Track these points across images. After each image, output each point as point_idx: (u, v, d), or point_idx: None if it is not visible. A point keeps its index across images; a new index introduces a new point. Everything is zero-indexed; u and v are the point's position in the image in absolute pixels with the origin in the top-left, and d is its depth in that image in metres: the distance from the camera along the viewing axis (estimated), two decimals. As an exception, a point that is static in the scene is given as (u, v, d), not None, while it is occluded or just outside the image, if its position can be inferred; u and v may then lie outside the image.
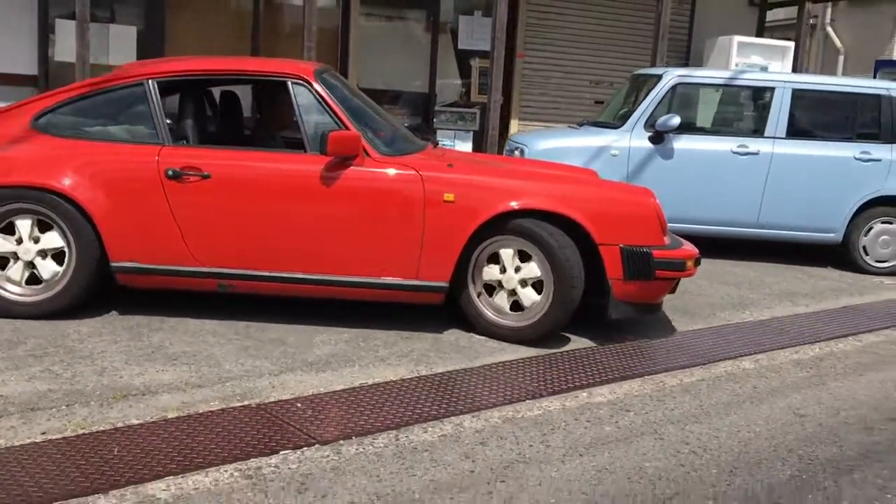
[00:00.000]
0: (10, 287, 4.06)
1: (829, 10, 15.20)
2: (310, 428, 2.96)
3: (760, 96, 7.30)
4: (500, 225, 4.05)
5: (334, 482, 2.57)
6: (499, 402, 3.37)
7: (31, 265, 4.07)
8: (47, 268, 4.06)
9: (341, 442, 2.87)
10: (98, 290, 4.19)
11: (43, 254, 4.06)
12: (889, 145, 7.11)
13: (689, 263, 4.31)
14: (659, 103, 7.11)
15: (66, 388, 3.20)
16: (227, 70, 4.47)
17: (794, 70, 10.26)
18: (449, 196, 4.02)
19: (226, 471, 2.59)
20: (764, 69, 10.26)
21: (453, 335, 4.22)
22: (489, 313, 4.20)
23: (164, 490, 2.44)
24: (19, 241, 4.05)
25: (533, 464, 2.80)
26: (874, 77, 10.83)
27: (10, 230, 4.06)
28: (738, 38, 10.09)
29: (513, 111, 10.25)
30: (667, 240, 4.31)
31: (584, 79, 10.42)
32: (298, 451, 2.77)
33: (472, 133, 9.56)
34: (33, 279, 4.09)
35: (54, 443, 2.70)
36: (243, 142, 4.76)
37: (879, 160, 7.07)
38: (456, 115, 9.98)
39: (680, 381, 3.82)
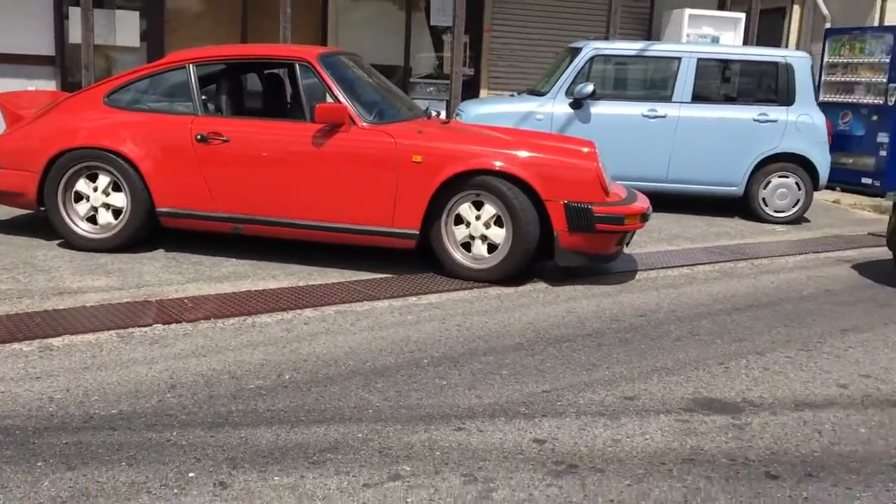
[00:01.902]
0: (84, 226, 5.31)
1: (817, -20, 15.67)
2: (183, 313, 4.14)
3: (668, 65, 8.18)
4: (464, 182, 4.94)
5: (179, 340, 3.75)
6: (341, 300, 4.50)
7: (93, 210, 5.29)
8: (105, 217, 5.28)
9: (202, 321, 4.04)
10: (148, 232, 5.36)
11: (107, 206, 5.28)
12: (785, 107, 7.96)
13: (629, 219, 5.02)
14: (578, 73, 8.07)
15: (20, 287, 4.43)
16: (248, 55, 5.63)
17: (745, 40, 11.00)
18: (417, 157, 4.96)
19: (108, 333, 3.78)
20: (715, 39, 11.05)
21: (363, 275, 5.30)
22: (459, 257, 5.07)
23: (60, 341, 3.64)
24: (95, 190, 5.27)
25: (331, 334, 3.93)
26: (823, 43, 11.48)
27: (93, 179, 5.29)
28: (689, 11, 10.86)
29: (482, 82, 11.25)
30: (612, 197, 5.05)
31: (549, 51, 11.32)
32: (166, 325, 3.95)
33: (445, 102, 10.59)
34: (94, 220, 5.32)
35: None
36: (260, 113, 5.87)
37: (776, 121, 7.93)
38: (429, 85, 11.05)
39: (515, 290, 4.89)
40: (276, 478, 2.47)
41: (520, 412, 3.08)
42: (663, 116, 7.99)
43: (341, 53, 5.88)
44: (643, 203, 5.37)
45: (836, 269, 6.09)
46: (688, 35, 10.87)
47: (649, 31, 11.84)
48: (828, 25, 15.31)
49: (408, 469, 2.57)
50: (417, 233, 5.05)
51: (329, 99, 5.22)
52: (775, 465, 2.73)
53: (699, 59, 8.03)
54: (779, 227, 7.81)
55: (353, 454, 2.65)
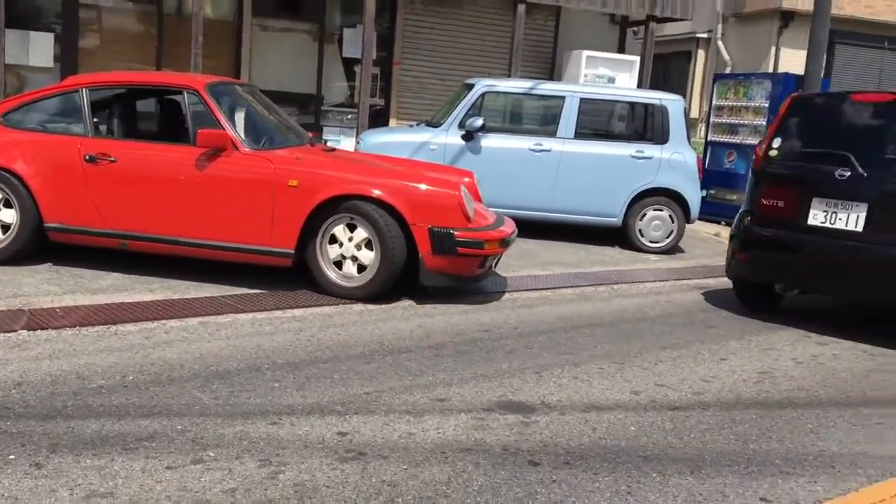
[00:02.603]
0: None
1: (720, 26, 16.67)
2: (51, 321, 4.42)
3: (554, 103, 8.76)
4: (338, 206, 5.30)
5: (40, 345, 4.04)
6: (208, 313, 4.83)
7: None
8: None
9: (67, 329, 4.33)
10: (37, 246, 5.59)
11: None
12: (660, 146, 8.59)
13: (488, 244, 5.44)
14: (470, 107, 8.59)
15: None
16: (141, 82, 6.00)
17: (639, 81, 11.72)
18: (293, 182, 5.34)
19: (-28, 338, 4.06)
20: (611, 80, 11.75)
21: (238, 290, 5.62)
22: (331, 275, 5.43)
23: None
24: None
25: (187, 342, 4.26)
26: (712, 87, 12.28)
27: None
28: (586, 53, 11.54)
29: (392, 112, 11.72)
30: (476, 223, 5.46)
31: (456, 84, 11.84)
32: (31, 332, 4.23)
33: (355, 130, 11.02)
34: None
35: None
36: (151, 137, 6.13)
37: (651, 158, 8.55)
38: (340, 114, 11.48)
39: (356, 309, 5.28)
40: (88, 461, 2.80)
41: (335, 410, 3.46)
42: (548, 150, 8.55)
43: (233, 83, 6.25)
44: (506, 229, 5.83)
45: (687, 295, 6.65)
46: (585, 75, 11.54)
47: (552, 71, 12.50)
48: (728, 69, 16.31)
49: (212, 455, 2.93)
50: (293, 252, 5.42)
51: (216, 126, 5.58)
52: (541, 455, 3.16)
53: (582, 99, 8.63)
54: (653, 257, 8.40)
55: (167, 443, 3.00)
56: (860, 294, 5.45)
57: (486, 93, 8.67)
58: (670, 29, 16.87)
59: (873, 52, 16.08)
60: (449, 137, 8.56)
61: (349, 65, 11.44)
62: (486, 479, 2.91)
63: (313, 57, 11.42)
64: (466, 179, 6.52)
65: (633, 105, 8.84)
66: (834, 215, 5.35)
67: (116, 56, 10.38)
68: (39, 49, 9.99)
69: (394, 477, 2.87)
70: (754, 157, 6.01)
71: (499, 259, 6.03)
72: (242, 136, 5.53)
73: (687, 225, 8.78)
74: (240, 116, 5.81)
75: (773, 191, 5.74)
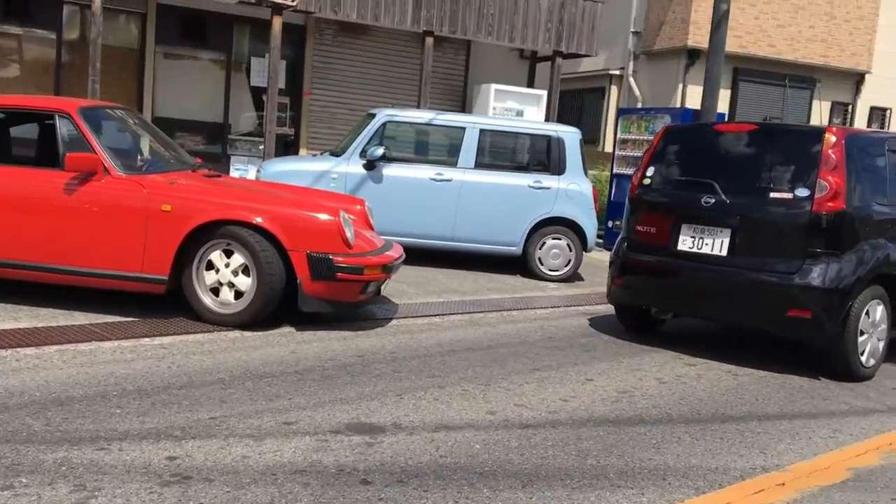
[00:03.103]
0: None
1: (631, 63, 17.18)
2: None
3: (455, 134, 8.87)
4: (213, 231, 5.21)
5: None
6: (69, 341, 4.69)
7: None
8: None
9: None
10: None
11: None
12: (557, 176, 8.76)
13: (368, 269, 5.43)
14: (371, 137, 8.63)
15: None
16: (12, 105, 5.83)
17: (547, 115, 11.97)
18: (166, 207, 5.22)
19: None
20: (520, 113, 11.98)
21: (110, 318, 5.51)
22: (208, 302, 5.31)
23: None
24: None
25: (37, 370, 4.13)
26: (616, 120, 12.62)
27: None
28: (494, 86, 11.76)
29: (302, 142, 11.71)
30: (357, 248, 5.44)
31: (367, 115, 11.95)
32: None
33: (261, 159, 10.96)
34: None
35: None
36: (22, 161, 5.97)
37: (549, 188, 8.70)
38: (248, 143, 11.41)
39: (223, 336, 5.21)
40: None
41: (173, 435, 3.39)
42: (449, 180, 8.62)
43: (111, 107, 6.16)
44: (390, 255, 5.84)
45: (574, 321, 6.75)
46: (494, 108, 11.74)
47: (463, 103, 12.69)
48: (639, 104, 16.79)
49: (24, 481, 2.83)
50: (166, 278, 5.31)
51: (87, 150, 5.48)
52: (375, 474, 3.14)
53: (482, 130, 8.76)
54: (551, 284, 8.52)
55: (-21, 469, 2.89)
56: (726, 316, 5.62)
57: (388, 122, 8.74)
58: (585, 66, 17.33)
59: (776, 88, 16.77)
60: (350, 167, 8.58)
61: (258, 94, 11.39)
62: (311, 499, 2.88)
63: (220, 86, 11.36)
64: (357, 207, 6.55)
65: (531, 136, 9.01)
66: (701, 240, 5.52)
67: (13, 83, 10.15)
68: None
69: (213, 500, 2.81)
70: (630, 185, 6.17)
71: (383, 285, 6.03)
72: (115, 160, 5.44)
73: (586, 253, 8.95)
74: (116, 140, 5.71)
75: (647, 218, 5.90)
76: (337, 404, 3.98)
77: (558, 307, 7.37)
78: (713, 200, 5.48)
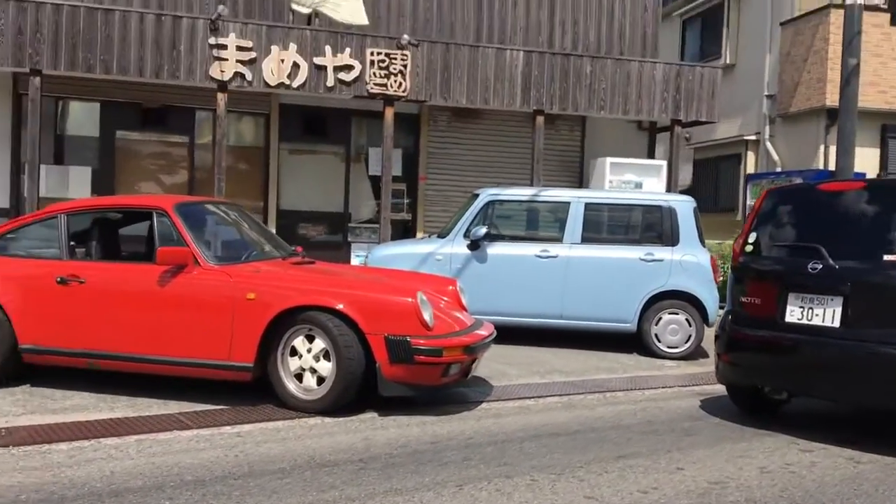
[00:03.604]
0: None
1: (767, 128, 16.42)
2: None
3: (559, 209, 8.67)
4: (295, 317, 5.26)
5: (-41, 464, 4.08)
6: (151, 430, 4.79)
7: None
8: None
9: (11, 448, 4.37)
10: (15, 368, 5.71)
11: None
12: (670, 248, 8.32)
13: (448, 351, 5.28)
14: (475, 217, 8.58)
15: None
16: (113, 205, 6.29)
17: (668, 185, 11.54)
18: (251, 295, 5.35)
19: None
20: (638, 185, 11.61)
21: (202, 406, 5.64)
22: (292, 388, 5.33)
23: None
24: None
25: (108, 460, 4.22)
26: (744, 186, 11.97)
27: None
28: (610, 160, 11.49)
29: (418, 225, 11.84)
30: (438, 329, 5.32)
31: (483, 196, 11.96)
32: (-38, 451, 4.28)
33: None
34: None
35: None
36: (123, 257, 6.31)
37: (662, 260, 8.28)
38: (368, 230, 11.67)
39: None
40: None
41: (209, 528, 3.31)
42: (555, 256, 8.39)
43: (208, 202, 6.44)
44: (474, 336, 5.67)
45: (682, 402, 6.25)
46: (610, 181, 11.45)
47: (580, 178, 12.46)
48: (778, 170, 15.93)
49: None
50: (251, 365, 5.37)
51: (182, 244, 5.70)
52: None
53: (587, 204, 8.51)
54: (669, 363, 8.00)
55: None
56: (843, 394, 4.99)
57: (491, 202, 8.67)
58: (720, 133, 16.78)
59: (930, 143, 15.47)
60: (454, 247, 8.54)
61: (376, 183, 11.67)
62: None
63: (340, 177, 11.75)
64: (449, 287, 6.44)
65: (640, 208, 8.65)
66: (810, 311, 4.98)
67: (152, 184, 10.93)
68: (77, 182, 10.61)
69: None
70: (732, 253, 5.72)
71: (473, 365, 5.82)
72: (206, 252, 5.62)
73: (708, 328, 8.37)
74: (211, 233, 5.94)
75: (751, 288, 5.43)
76: (390, 495, 3.79)
77: (671, 387, 6.87)
78: (820, 266, 4.96)
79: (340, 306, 5.26)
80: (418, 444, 4.72)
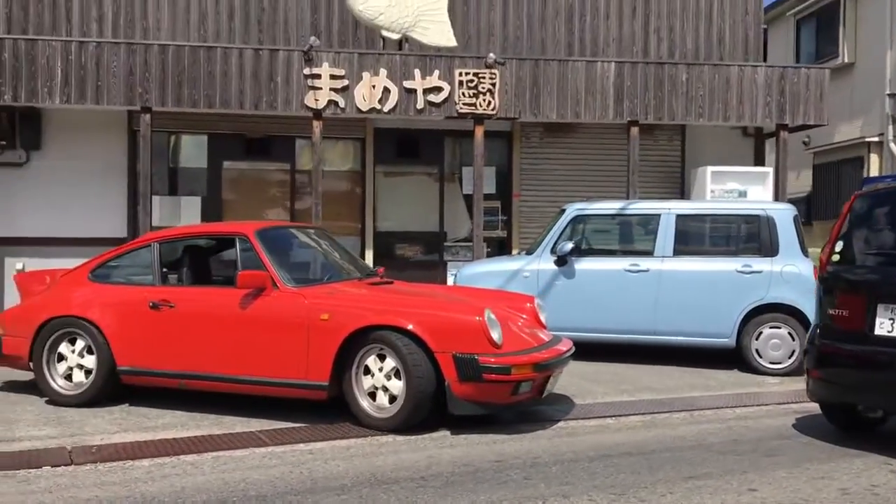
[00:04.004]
0: (61, 383, 6.15)
1: (891, 128, 15.45)
2: (77, 458, 4.75)
3: (649, 222, 8.45)
4: (367, 337, 5.39)
5: (41, 479, 4.36)
6: (229, 447, 4.99)
7: (71, 369, 6.13)
8: (79, 376, 6.12)
9: (86, 464, 4.65)
10: (114, 389, 6.08)
11: (80, 367, 6.10)
12: (769, 258, 7.95)
13: (517, 369, 5.26)
14: (562, 232, 8.49)
15: None
16: (201, 232, 6.67)
17: (776, 193, 11.03)
18: (325, 316, 5.53)
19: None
20: (742, 194, 11.15)
21: (283, 424, 5.85)
22: (365, 406, 5.45)
23: None
24: (73, 353, 6.13)
25: (179, 476, 4.41)
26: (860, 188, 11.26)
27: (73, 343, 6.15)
28: (710, 168, 11.09)
29: (514, 242, 11.80)
30: (508, 347, 5.30)
31: (579, 211, 11.79)
32: (53, 468, 4.58)
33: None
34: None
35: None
36: (211, 281, 6.62)
37: (760, 272, 7.92)
38: (464, 248, 11.74)
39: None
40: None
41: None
42: (646, 270, 8.18)
43: (289, 226, 6.67)
44: (546, 353, 5.60)
45: (775, 420, 5.94)
46: (712, 191, 11.05)
47: (682, 189, 12.10)
48: (904, 171, 14.93)
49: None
50: (326, 384, 5.50)
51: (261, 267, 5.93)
52: None
53: (678, 215, 8.26)
54: (771, 379, 7.63)
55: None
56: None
57: (578, 216, 8.56)
58: (841, 135, 15.96)
59: None
60: (541, 264, 8.47)
61: (470, 201, 11.72)
62: None
63: (435, 197, 11.88)
64: (528, 304, 6.40)
65: (735, 218, 8.32)
66: (901, 322, 4.65)
67: (256, 212, 11.40)
68: (188, 211, 11.20)
69: None
70: (819, 264, 5.42)
71: (546, 384, 5.74)
72: (284, 274, 5.81)
73: (813, 342, 7.92)
74: (291, 256, 6.15)
75: (840, 299, 5.11)
76: (445, 514, 3.80)
77: (766, 405, 6.54)
78: (909, 274, 4.63)
79: (409, 326, 5.33)
80: (482, 463, 4.69)
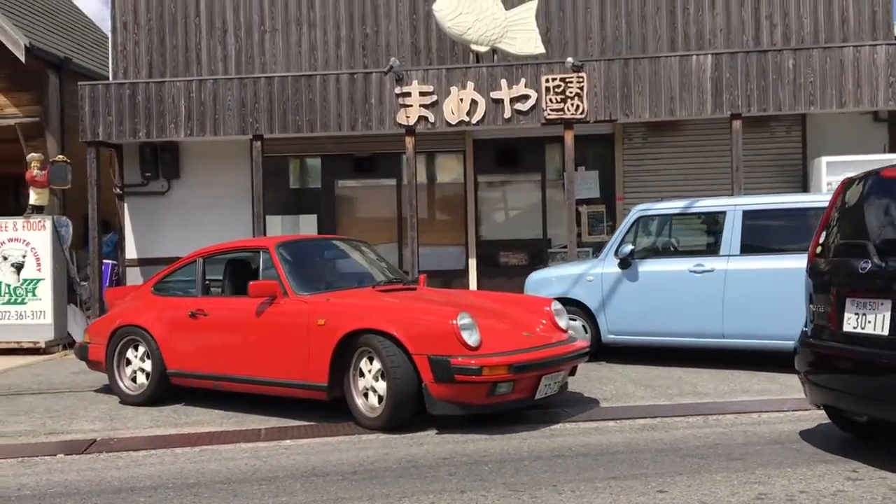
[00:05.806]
0: (127, 384, 7.06)
1: None
2: (93, 448, 5.45)
3: (715, 220, 8.03)
4: (356, 340, 5.73)
5: (66, 464, 5.08)
6: (224, 441, 5.49)
7: (135, 372, 7.02)
8: (141, 378, 6.97)
9: (97, 453, 5.34)
10: (167, 389, 6.86)
11: (142, 370, 6.97)
12: (844, 253, 7.30)
13: (490, 370, 5.33)
14: (625, 234, 8.30)
15: (33, 428, 6.17)
16: (235, 247, 7.34)
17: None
18: (321, 321, 6.04)
19: (12, 460, 5.26)
20: (863, 183, 10.18)
21: (291, 422, 6.32)
22: (360, 406, 5.83)
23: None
24: (136, 357, 6.99)
25: (164, 465, 4.96)
26: None
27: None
28: (826, 159, 10.25)
29: (619, 247, 11.54)
30: (486, 348, 5.43)
31: (686, 212, 11.31)
32: (67, 456, 5.31)
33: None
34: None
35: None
36: (239, 291, 7.22)
37: (834, 268, 7.29)
38: (565, 254, 11.67)
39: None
40: None
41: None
42: (711, 270, 7.80)
43: (310, 239, 7.15)
44: (525, 355, 5.58)
45: (788, 426, 5.54)
46: (828, 183, 10.20)
47: (803, 182, 11.25)
48: None
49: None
50: (325, 385, 5.88)
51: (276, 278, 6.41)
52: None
53: (745, 212, 7.80)
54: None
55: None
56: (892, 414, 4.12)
57: (641, 217, 8.33)
58: None
59: None
60: (605, 267, 8.33)
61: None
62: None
63: (537, 204, 11.92)
64: (545, 308, 6.39)
65: (807, 212, 7.69)
66: (863, 317, 4.23)
67: (366, 225, 12.06)
68: (307, 228, 12.07)
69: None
70: (808, 256, 5.00)
71: (555, 385, 5.75)
72: (295, 283, 6.26)
73: None
74: (307, 267, 6.62)
75: (817, 294, 4.72)
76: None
77: (806, 410, 6.04)
78: (868, 265, 4.21)
79: (388, 329, 5.57)
80: (462, 460, 4.84)
